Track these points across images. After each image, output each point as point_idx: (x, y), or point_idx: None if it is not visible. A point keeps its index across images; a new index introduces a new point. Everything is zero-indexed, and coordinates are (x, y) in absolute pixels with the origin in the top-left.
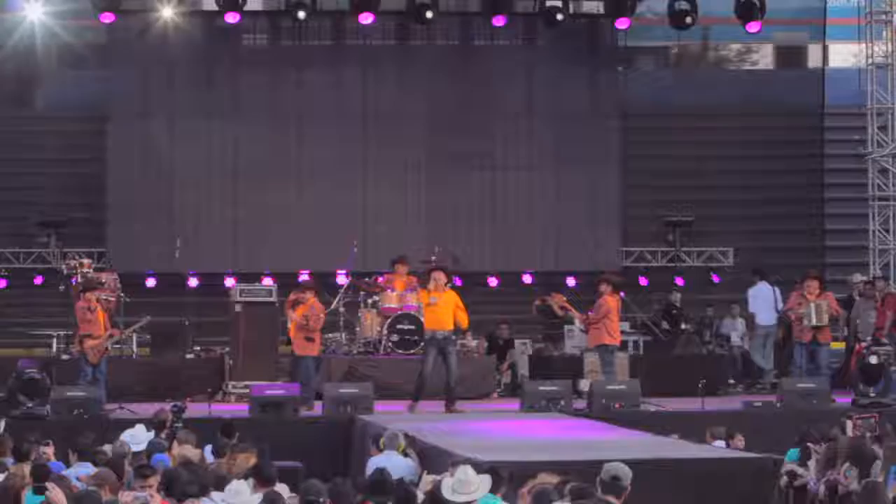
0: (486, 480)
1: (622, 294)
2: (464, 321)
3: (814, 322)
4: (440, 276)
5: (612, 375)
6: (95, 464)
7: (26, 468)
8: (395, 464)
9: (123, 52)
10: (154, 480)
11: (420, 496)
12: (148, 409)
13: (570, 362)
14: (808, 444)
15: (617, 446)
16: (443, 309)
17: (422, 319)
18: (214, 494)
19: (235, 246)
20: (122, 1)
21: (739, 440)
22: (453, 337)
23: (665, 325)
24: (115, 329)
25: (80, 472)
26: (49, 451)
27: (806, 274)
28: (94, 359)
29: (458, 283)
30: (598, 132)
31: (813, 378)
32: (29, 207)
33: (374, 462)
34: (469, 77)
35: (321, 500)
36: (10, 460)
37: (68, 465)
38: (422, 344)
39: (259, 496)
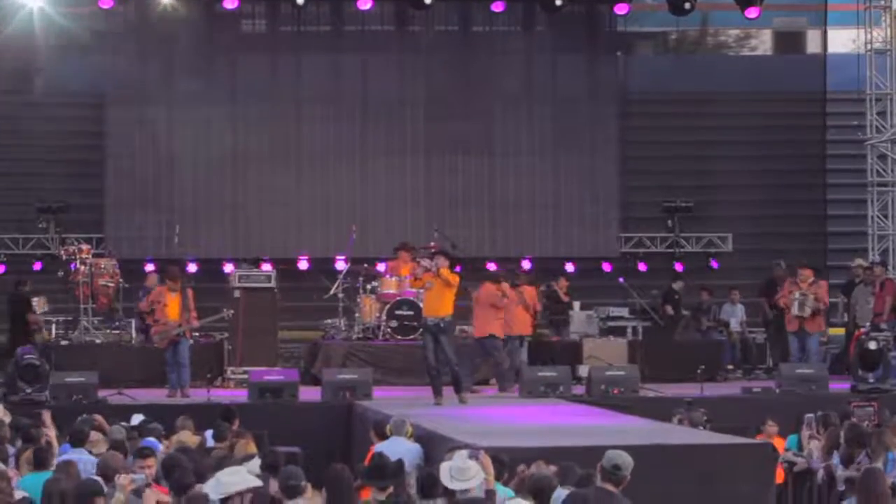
0: None
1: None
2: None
3: (796, 313)
4: (439, 261)
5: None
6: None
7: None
8: (405, 449)
9: (123, 37)
10: (153, 461)
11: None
12: (147, 394)
13: (569, 348)
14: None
15: (616, 432)
16: (436, 294)
17: (421, 305)
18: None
19: (234, 232)
20: None
21: (772, 426)
22: (442, 325)
23: (670, 309)
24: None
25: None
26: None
27: (799, 262)
28: (161, 343)
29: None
30: (597, 118)
31: (812, 364)
32: (28, 193)
33: (382, 448)
34: (468, 63)
35: (301, 483)
36: (12, 448)
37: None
38: (421, 330)
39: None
